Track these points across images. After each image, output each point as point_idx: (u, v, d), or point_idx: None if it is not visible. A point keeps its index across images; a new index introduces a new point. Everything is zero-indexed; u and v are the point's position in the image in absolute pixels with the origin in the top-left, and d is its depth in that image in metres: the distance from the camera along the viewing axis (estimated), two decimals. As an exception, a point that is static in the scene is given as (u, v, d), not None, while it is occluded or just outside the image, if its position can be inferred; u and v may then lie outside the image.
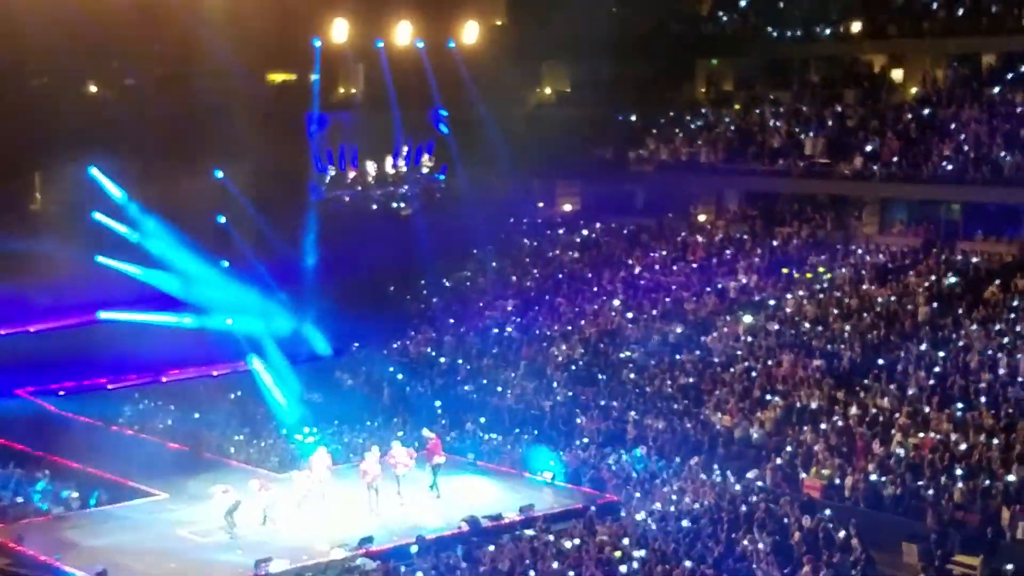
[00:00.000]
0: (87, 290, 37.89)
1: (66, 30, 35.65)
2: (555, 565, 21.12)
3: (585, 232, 45.69)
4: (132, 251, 39.42)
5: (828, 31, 43.37)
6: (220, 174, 40.41)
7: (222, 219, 40.55)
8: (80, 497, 28.05)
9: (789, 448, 28.75)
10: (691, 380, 33.49)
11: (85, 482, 29.05)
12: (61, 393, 37.00)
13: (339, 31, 40.59)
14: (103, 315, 38.18)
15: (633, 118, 47.33)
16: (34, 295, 37.89)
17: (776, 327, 34.93)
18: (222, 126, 37.71)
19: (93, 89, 44.17)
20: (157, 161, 39.11)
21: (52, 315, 38.19)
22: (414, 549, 23.58)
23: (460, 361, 38.28)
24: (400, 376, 38.04)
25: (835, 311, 34.80)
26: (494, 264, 44.69)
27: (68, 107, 38.35)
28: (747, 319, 35.75)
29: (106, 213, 39.15)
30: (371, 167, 42.02)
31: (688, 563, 20.63)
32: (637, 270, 41.40)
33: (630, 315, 38.35)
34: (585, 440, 31.54)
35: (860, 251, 38.33)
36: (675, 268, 40.84)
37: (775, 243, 40.13)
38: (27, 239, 36.65)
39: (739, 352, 34.18)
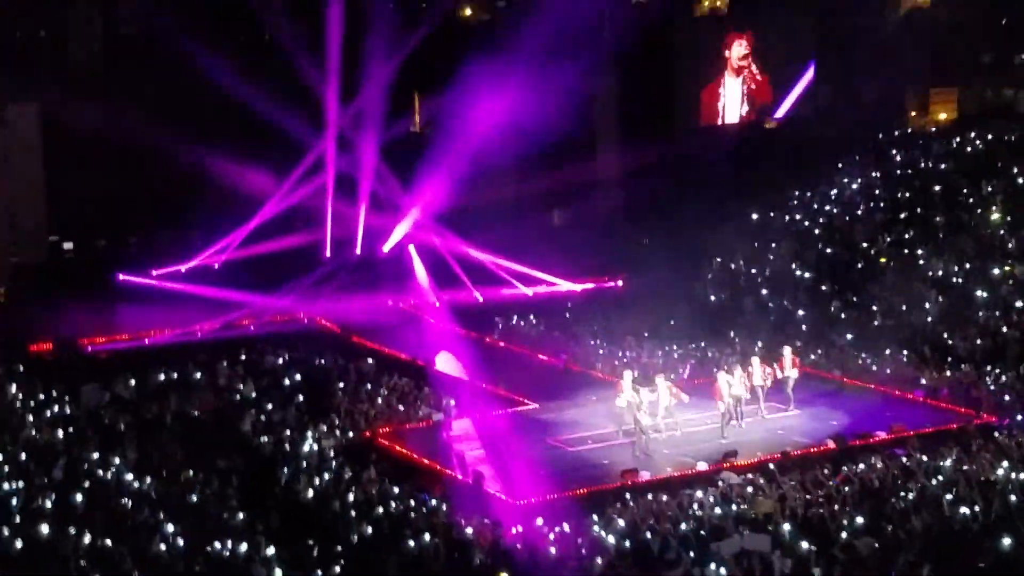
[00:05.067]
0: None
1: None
2: (932, 483, 20.40)
3: (960, 141, 43.20)
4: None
5: None
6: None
7: None
8: (457, 405, 29.39)
9: None
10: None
11: (462, 391, 30.45)
12: (436, 305, 38.89)
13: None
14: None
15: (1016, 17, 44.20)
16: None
17: None
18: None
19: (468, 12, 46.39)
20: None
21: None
22: (772, 466, 23.35)
23: (824, 276, 37.34)
24: (763, 291, 37.51)
25: None
26: (860, 178, 43.11)
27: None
28: None
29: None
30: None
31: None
32: (1019, 180, 38.80)
33: (1011, 226, 36.16)
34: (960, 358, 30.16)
35: None
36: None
37: None
38: None
39: None
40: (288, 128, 38.22)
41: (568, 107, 44.13)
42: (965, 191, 39.51)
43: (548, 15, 41.41)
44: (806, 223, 41.83)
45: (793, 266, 38.71)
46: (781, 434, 26.49)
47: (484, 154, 41.68)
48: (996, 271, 34.14)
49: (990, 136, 42.76)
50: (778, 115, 47.85)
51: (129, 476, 22.77)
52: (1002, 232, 36.44)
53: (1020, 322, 30.88)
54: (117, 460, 23.63)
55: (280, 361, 31.96)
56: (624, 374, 27.32)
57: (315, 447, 25.13)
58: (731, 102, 46.92)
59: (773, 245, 40.29)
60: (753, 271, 39.14)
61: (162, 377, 30.01)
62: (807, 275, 37.78)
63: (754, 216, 42.39)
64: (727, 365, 29.12)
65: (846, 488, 21.12)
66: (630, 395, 26.30)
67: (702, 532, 19.44)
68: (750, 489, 22.24)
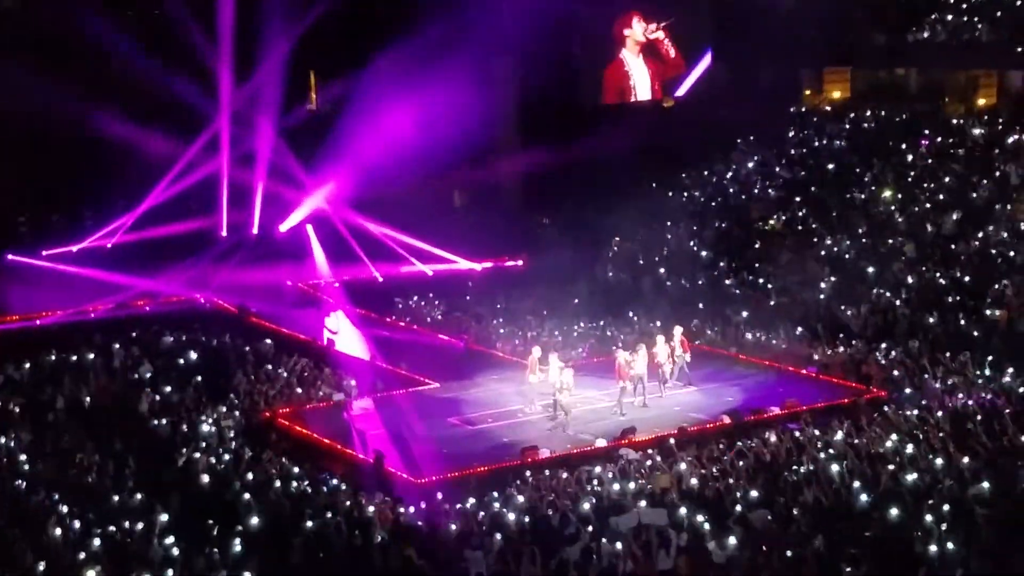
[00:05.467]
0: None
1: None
2: (821, 458, 20.90)
3: (854, 119, 44.05)
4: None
5: None
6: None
7: None
8: (358, 385, 29.33)
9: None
10: (967, 272, 32.10)
11: (363, 371, 30.40)
12: (336, 285, 38.70)
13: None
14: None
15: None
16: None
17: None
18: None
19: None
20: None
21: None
22: (672, 441, 23.72)
23: (721, 255, 37.87)
24: (661, 270, 37.91)
25: None
26: (756, 157, 43.78)
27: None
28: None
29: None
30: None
31: (966, 458, 20.05)
32: (909, 158, 39.69)
33: (902, 205, 36.98)
34: (852, 334, 30.83)
35: None
36: (952, 154, 38.97)
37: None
38: None
39: (1021, 242, 32.45)
40: (183, 107, 37.63)
41: (470, 88, 44.22)
42: (858, 170, 40.28)
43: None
44: (703, 202, 42.34)
45: (691, 245, 39.16)
46: (678, 411, 26.86)
47: (385, 135, 41.62)
48: (888, 247, 34.85)
49: (883, 115, 43.65)
50: (677, 94, 48.25)
51: (23, 458, 22.40)
52: (893, 209, 37.23)
53: (910, 299, 31.61)
54: (11, 442, 23.25)
55: (176, 342, 31.57)
56: (533, 350, 27.51)
57: (213, 428, 24.91)
58: (639, 80, 47.19)
59: (671, 224, 40.72)
60: (652, 250, 39.56)
61: (55, 358, 29.48)
62: (704, 254, 38.26)
63: (652, 196, 42.77)
64: (627, 343, 29.44)
65: (741, 462, 21.49)
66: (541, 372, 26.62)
67: (601, 507, 19.66)
68: (648, 464, 22.55)
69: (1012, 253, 32.43)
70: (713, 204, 41.90)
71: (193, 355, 30.33)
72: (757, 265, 36.50)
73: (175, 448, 23.46)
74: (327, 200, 40.30)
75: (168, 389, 27.42)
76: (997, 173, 36.65)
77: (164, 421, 25.33)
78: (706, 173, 43.79)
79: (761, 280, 35.52)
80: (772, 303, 33.86)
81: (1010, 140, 38.30)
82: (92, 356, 29.69)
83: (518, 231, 42.21)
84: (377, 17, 43.07)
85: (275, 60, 39.95)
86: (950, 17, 43.21)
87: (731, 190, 42.49)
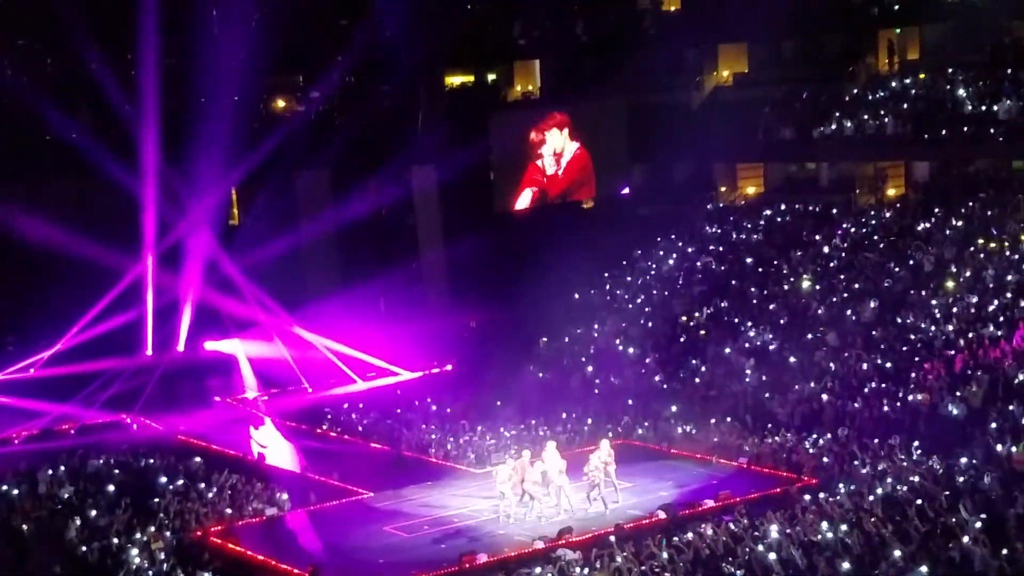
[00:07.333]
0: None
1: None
2: (759, 549, 21.02)
3: (769, 214, 44.99)
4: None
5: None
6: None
7: None
8: (291, 499, 29.01)
9: (994, 424, 27.74)
10: (888, 358, 32.69)
11: (295, 484, 30.10)
12: (264, 398, 38.40)
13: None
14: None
15: (815, 95, 46.36)
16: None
17: (975, 300, 33.75)
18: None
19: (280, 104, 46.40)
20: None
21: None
22: (612, 539, 23.72)
23: (648, 351, 38.17)
24: (589, 368, 38.11)
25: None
26: (676, 253, 44.40)
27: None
28: (949, 284, 34.68)
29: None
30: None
31: (897, 551, 20.23)
32: (825, 249, 40.54)
33: (821, 295, 37.67)
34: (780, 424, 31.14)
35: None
36: (866, 244, 39.87)
37: (970, 212, 38.74)
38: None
39: (938, 327, 33.15)
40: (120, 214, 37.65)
41: (389, 196, 44.78)
42: (775, 261, 40.98)
43: (363, 105, 42.00)
44: (627, 299, 42.74)
45: (617, 342, 39.42)
46: (613, 507, 26.89)
47: (308, 247, 41.88)
48: (810, 337, 35.38)
49: (797, 208, 44.61)
50: (594, 195, 48.94)
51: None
52: (808, 298, 37.84)
53: (834, 387, 32.07)
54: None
55: (103, 464, 31.06)
56: (524, 454, 27.47)
57: (144, 551, 24.45)
58: (550, 184, 47.88)
59: (596, 323, 41.04)
60: (578, 348, 39.77)
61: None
62: (631, 350, 38.53)
63: (576, 295, 43.16)
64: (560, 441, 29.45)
65: (680, 557, 21.53)
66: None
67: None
68: (586, 570, 22.47)
69: (931, 335, 33.05)
70: (637, 301, 42.28)
71: (121, 477, 29.84)
72: (682, 360, 36.81)
73: (105, 573, 22.97)
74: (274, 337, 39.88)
75: (95, 513, 26.90)
76: (911, 261, 37.48)
77: (93, 546, 24.82)
78: (628, 270, 44.28)
79: (688, 374, 35.82)
80: (700, 396, 34.13)
81: (920, 228, 39.26)
82: (17, 484, 29.08)
83: (445, 336, 42.26)
84: (289, 126, 43.67)
85: (201, 175, 40.02)
86: (856, 111, 44.45)
87: (654, 286, 42.92)
